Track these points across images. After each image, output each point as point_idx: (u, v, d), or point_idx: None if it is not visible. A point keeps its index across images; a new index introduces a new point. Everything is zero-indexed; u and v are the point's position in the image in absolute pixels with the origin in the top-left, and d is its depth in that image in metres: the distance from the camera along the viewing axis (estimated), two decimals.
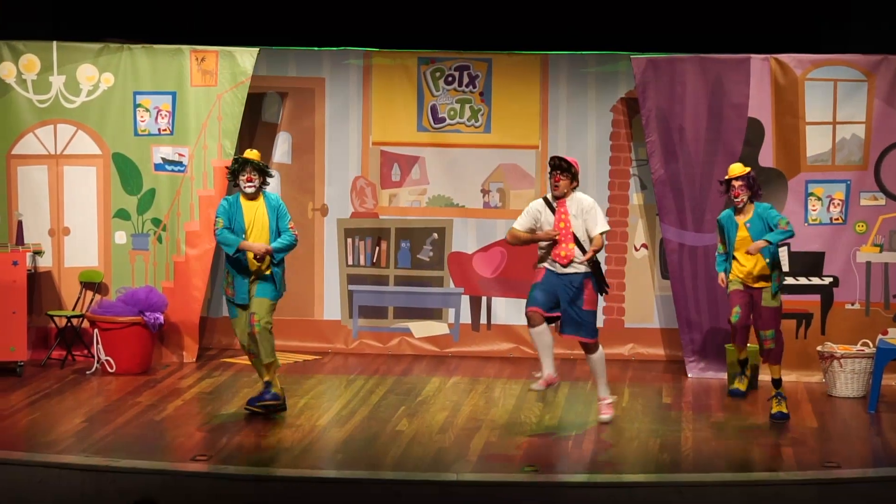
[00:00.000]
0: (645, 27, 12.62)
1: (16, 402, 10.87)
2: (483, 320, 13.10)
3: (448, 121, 13.01)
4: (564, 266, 10.22)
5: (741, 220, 10.69)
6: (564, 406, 11.13)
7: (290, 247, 10.52)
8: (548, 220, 10.23)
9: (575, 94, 12.85)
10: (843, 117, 12.07)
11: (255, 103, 12.91)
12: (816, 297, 12.15)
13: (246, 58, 12.43)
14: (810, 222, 12.12)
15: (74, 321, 12.25)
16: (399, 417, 10.63)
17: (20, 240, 12.31)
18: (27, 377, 11.73)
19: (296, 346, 12.98)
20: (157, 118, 12.51)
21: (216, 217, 10.46)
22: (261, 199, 10.50)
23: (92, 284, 12.37)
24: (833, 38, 12.64)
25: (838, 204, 12.11)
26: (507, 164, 12.97)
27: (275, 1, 12.86)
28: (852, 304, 12.14)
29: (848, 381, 11.41)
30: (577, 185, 10.28)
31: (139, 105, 12.50)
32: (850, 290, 12.12)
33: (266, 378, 10.55)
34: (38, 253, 12.36)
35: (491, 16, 12.84)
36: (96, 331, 11.92)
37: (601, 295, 10.38)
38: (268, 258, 10.41)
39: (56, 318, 12.29)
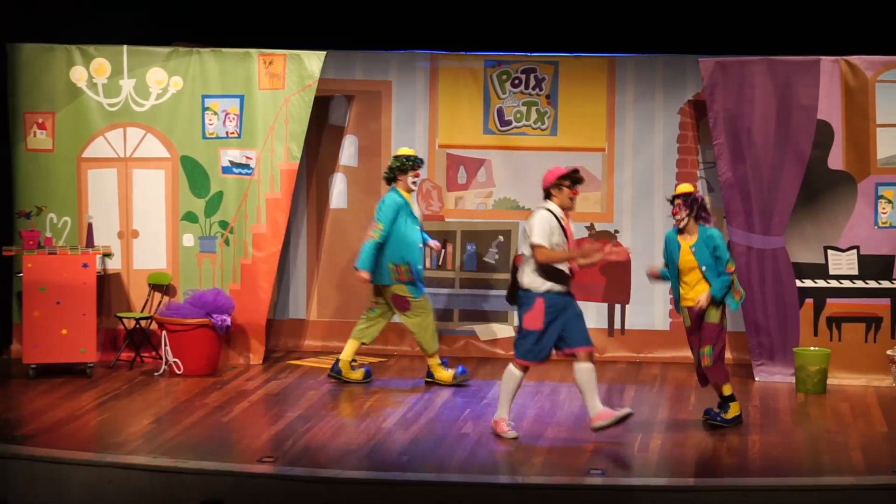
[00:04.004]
0: (713, 29, 12.54)
1: (86, 403, 10.97)
2: None
3: (514, 123, 12.99)
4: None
5: (685, 242, 10.32)
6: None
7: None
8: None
9: (642, 96, 12.80)
10: None
11: (322, 106, 12.95)
12: (886, 301, 12.02)
13: (313, 61, 12.47)
14: (880, 225, 11.99)
15: (143, 323, 12.34)
16: (464, 420, 10.63)
17: (90, 242, 12.41)
18: (97, 378, 11.83)
19: (362, 347, 12.99)
20: (224, 121, 12.58)
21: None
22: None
23: (160, 286, 12.45)
24: None
25: None
26: (573, 167, 12.89)
27: (342, 4, 12.89)
28: None
29: None
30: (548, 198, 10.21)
31: (207, 108, 12.58)
32: None
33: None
34: (107, 255, 12.46)
35: (557, 18, 12.80)
36: (164, 332, 12.00)
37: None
38: None
39: (125, 320, 12.38)
